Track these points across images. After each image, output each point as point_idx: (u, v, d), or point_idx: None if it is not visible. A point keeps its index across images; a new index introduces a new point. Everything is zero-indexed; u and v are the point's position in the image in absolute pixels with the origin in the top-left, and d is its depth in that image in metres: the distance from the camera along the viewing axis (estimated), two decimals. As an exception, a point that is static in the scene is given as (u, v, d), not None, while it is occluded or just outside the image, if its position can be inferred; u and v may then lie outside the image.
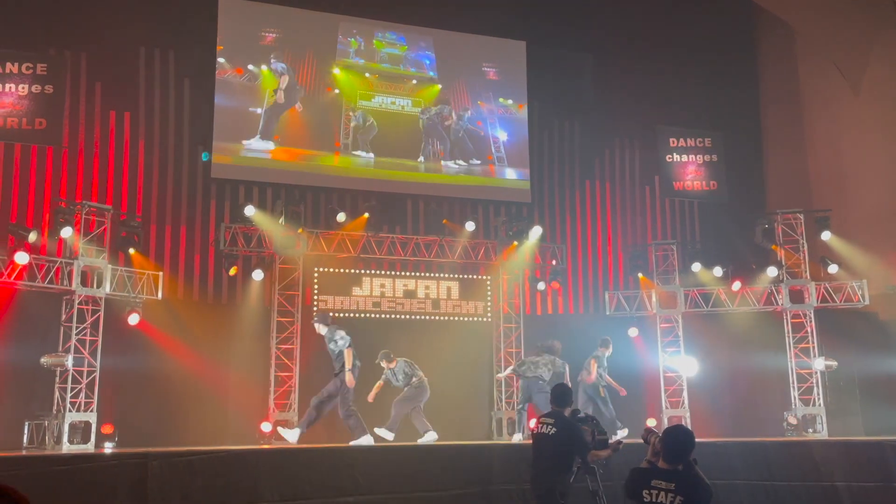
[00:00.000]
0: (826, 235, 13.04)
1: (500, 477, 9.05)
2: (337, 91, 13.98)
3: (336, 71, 13.99)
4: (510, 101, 14.92)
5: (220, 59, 13.10)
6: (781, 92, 16.45)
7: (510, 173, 14.69)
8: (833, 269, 12.83)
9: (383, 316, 12.86)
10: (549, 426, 6.10)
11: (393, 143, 14.08)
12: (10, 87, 11.55)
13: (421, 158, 14.18)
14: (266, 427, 11.26)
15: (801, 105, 16.35)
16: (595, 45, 15.40)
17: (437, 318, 13.08)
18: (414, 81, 14.49)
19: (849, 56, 15.06)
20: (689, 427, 12.63)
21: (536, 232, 13.27)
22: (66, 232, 10.40)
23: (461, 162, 14.42)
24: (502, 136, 14.75)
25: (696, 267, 13.25)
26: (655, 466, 4.14)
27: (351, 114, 13.92)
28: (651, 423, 12.33)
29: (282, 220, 12.07)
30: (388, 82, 14.34)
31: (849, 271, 13.26)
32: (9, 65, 11.56)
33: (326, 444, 10.27)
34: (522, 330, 13.43)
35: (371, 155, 13.86)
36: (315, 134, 13.71)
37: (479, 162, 14.51)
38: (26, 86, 11.60)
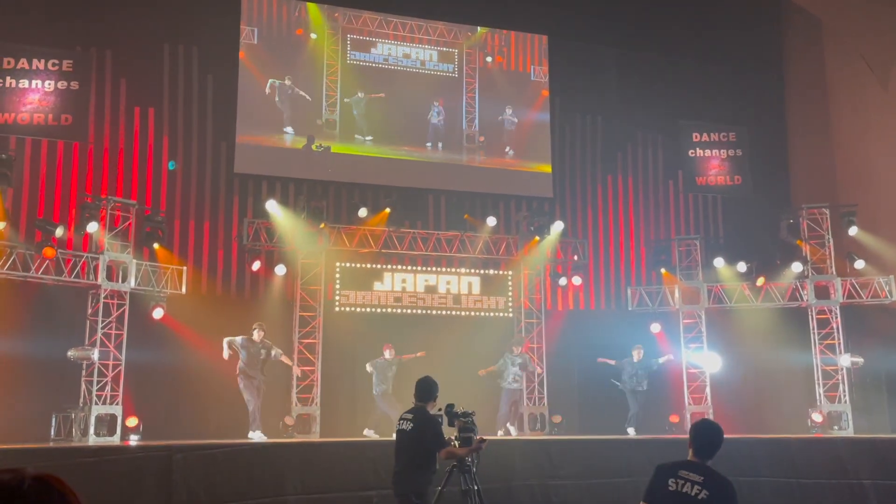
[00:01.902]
0: (853, 230, 12.85)
1: (521, 473, 9.04)
2: (313, 35, 13.80)
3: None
4: (530, 96, 14.87)
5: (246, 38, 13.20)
6: (807, 85, 16.23)
7: (531, 167, 14.65)
8: (860, 264, 12.65)
9: (404, 311, 12.87)
10: (408, 422, 5.78)
11: (398, 128, 13.91)
12: (37, 84, 11.68)
13: (428, 145, 14.10)
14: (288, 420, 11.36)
15: (827, 98, 16.11)
16: (618, 39, 15.28)
17: (458, 313, 13.08)
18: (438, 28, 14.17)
19: (876, 49, 14.82)
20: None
21: (558, 227, 13.22)
22: (92, 227, 10.52)
23: (479, 154, 14.42)
24: (522, 129, 14.70)
25: (720, 262, 13.13)
26: (685, 459, 4.10)
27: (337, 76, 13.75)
28: (674, 419, 12.34)
29: (304, 215, 12.12)
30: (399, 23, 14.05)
31: (876, 267, 13.06)
32: (35, 61, 11.69)
33: (349, 438, 10.31)
34: (544, 325, 13.39)
35: (369, 137, 13.69)
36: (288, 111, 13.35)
37: (506, 153, 14.49)
38: (52, 82, 11.72)
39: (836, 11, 15.25)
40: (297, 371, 11.58)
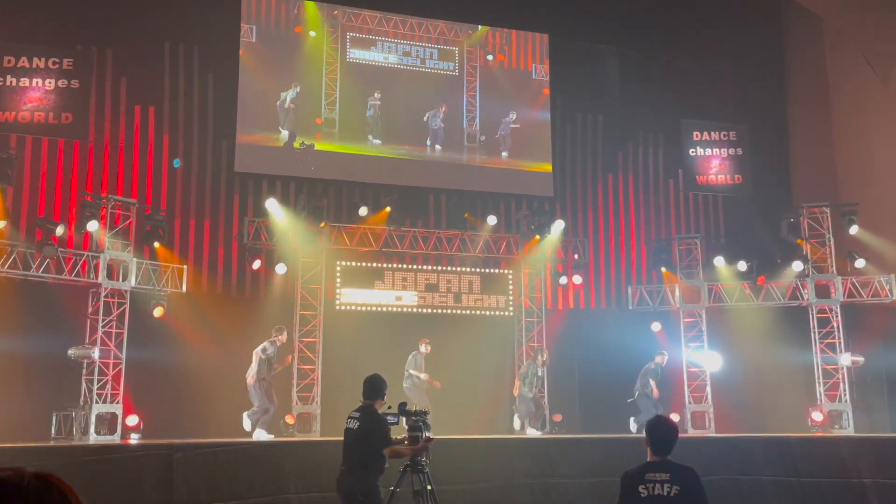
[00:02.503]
0: (854, 229, 12.84)
1: (521, 471, 9.04)
2: (312, 33, 13.78)
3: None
4: (531, 95, 14.87)
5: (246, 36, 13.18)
6: (808, 84, 16.21)
7: (532, 166, 14.64)
8: (860, 263, 12.63)
9: (405, 310, 12.87)
10: (355, 420, 5.69)
11: (398, 126, 13.89)
12: (37, 82, 11.68)
13: (428, 142, 14.07)
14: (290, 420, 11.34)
15: (828, 97, 16.10)
16: (618, 38, 15.28)
17: (458, 311, 13.07)
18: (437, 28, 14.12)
19: (878, 47, 14.81)
20: (713, 422, 12.56)
21: (559, 226, 13.22)
22: (93, 225, 10.52)
23: (480, 154, 14.41)
24: (523, 128, 14.69)
25: (720, 261, 13.12)
26: (646, 462, 4.13)
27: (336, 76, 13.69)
28: (675, 417, 12.31)
29: (304, 214, 12.12)
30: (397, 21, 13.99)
31: (877, 265, 13.05)
32: (35, 60, 11.69)
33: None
34: (544, 324, 13.40)
35: (378, 141, 13.67)
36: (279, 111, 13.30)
37: (501, 154, 14.48)
38: (53, 80, 11.72)
39: (836, 10, 15.24)
40: (288, 362, 11.33)
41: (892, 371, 12.99)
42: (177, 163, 12.76)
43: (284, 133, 13.29)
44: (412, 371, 11.36)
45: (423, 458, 5.86)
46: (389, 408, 5.87)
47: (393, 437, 5.81)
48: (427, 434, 5.79)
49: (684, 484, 3.97)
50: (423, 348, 11.51)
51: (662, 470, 4.01)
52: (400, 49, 14.22)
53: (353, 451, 5.65)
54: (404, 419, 5.81)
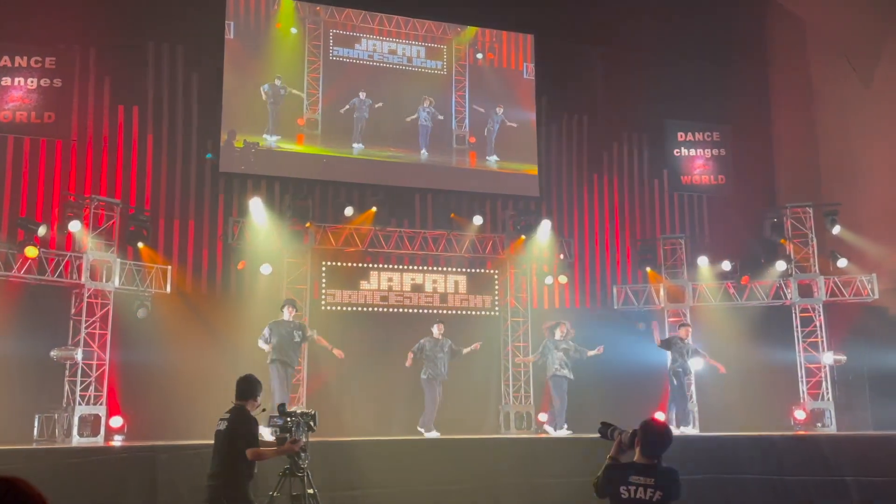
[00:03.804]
0: (836, 229, 12.96)
1: (507, 471, 9.06)
2: (294, 30, 13.54)
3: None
4: (521, 95, 14.89)
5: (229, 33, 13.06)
6: (791, 85, 16.34)
7: (518, 166, 14.65)
8: (842, 263, 12.76)
9: (391, 310, 12.86)
10: (224, 422, 5.57)
11: (384, 126, 13.69)
12: (20, 81, 11.58)
13: (419, 142, 13.94)
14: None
15: (810, 98, 16.24)
16: (604, 39, 15.33)
17: (444, 312, 13.08)
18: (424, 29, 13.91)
19: (860, 48, 14.95)
20: (697, 421, 12.62)
21: (545, 226, 13.26)
22: (75, 226, 10.44)
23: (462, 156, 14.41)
24: (512, 128, 14.71)
25: (704, 261, 13.21)
26: (632, 462, 4.09)
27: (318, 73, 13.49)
28: (660, 416, 12.33)
29: (290, 214, 12.08)
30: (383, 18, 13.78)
31: (858, 265, 13.18)
32: (18, 58, 11.59)
33: (333, 437, 10.28)
34: (530, 324, 13.43)
35: (360, 145, 13.47)
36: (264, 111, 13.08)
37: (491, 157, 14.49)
38: (35, 80, 11.63)
39: (819, 12, 15.37)
40: (338, 354, 10.63)
41: (873, 369, 13.13)
42: (210, 156, 12.68)
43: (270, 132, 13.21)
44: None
45: (303, 462, 5.70)
46: (264, 410, 5.74)
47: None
48: (299, 436, 5.62)
49: (667, 487, 3.96)
50: (435, 331, 11.21)
51: (648, 474, 3.97)
52: (385, 47, 14.15)
53: (221, 454, 5.49)
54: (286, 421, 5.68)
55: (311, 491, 5.77)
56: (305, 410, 5.90)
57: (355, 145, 13.55)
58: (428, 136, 14.03)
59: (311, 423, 5.86)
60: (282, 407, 5.80)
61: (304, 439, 5.75)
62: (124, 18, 12.37)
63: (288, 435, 5.61)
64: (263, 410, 5.73)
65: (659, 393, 13.20)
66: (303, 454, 5.76)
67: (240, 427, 5.47)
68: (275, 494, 5.73)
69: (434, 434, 10.50)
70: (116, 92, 12.46)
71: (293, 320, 10.50)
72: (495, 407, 13.25)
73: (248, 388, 5.67)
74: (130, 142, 12.47)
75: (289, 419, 5.71)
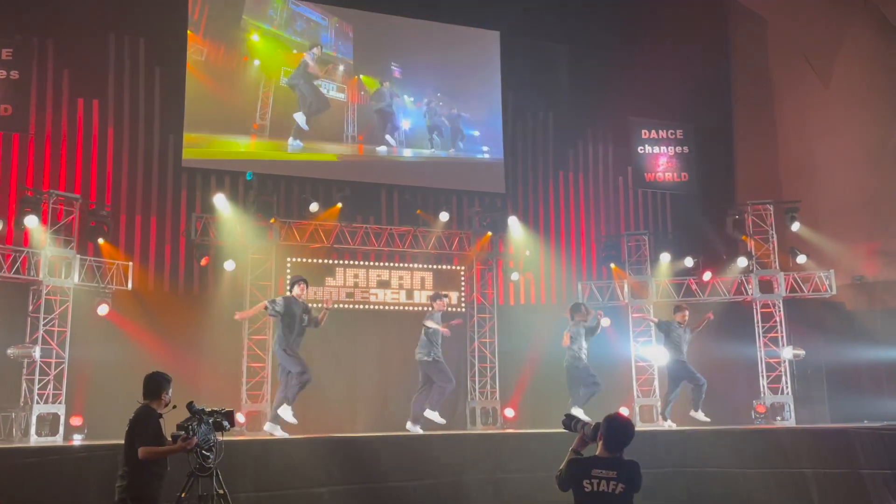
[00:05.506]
0: (795, 226, 13.21)
1: (472, 466, 9.08)
2: (257, 62, 13.33)
3: (255, 38, 13.37)
4: (483, 92, 14.91)
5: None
6: (753, 84, 16.60)
7: (484, 162, 14.69)
8: (801, 259, 13.01)
9: (357, 306, 12.82)
10: (130, 422, 5.56)
11: (323, 127, 13.62)
12: (-26, 73, 11.29)
13: (389, 141, 13.95)
14: (241, 418, 11.17)
15: (772, 97, 16.52)
16: (569, 36, 15.43)
17: (410, 308, 13.06)
18: (341, 68, 13.92)
19: (819, 48, 15.25)
20: (660, 415, 12.75)
21: (511, 222, 13.30)
22: (32, 221, 10.20)
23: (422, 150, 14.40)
24: (474, 127, 14.74)
25: (666, 257, 13.37)
26: (595, 455, 4.14)
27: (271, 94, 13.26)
28: (625, 411, 12.43)
29: (254, 210, 11.97)
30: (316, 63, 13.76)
31: (817, 261, 13.45)
32: (-28, 50, 11.31)
33: (302, 434, 10.22)
34: (496, 320, 13.48)
35: (298, 143, 13.34)
36: (231, 115, 13.04)
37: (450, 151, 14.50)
38: (-9, 72, 11.35)
39: (780, 12, 15.63)
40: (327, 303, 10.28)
41: (831, 364, 13.41)
42: (249, 175, 12.51)
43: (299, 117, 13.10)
44: (429, 324, 10.17)
45: (210, 462, 5.62)
46: (174, 407, 5.68)
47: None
48: (207, 436, 5.57)
49: (629, 479, 4.01)
50: (437, 305, 10.67)
51: (610, 467, 4.02)
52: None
53: (125, 454, 5.48)
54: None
55: (221, 491, 5.67)
56: (217, 409, 5.78)
57: (293, 140, 13.39)
58: (395, 126, 14.07)
59: (224, 422, 5.74)
60: (190, 405, 5.68)
61: (213, 437, 5.65)
62: (84, 9, 12.12)
63: (183, 433, 5.52)
64: (174, 408, 5.66)
65: (621, 387, 13.33)
66: (207, 453, 5.62)
67: (136, 426, 5.47)
68: (182, 496, 5.62)
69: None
70: (76, 84, 12.22)
71: (303, 302, 9.63)
72: (463, 402, 13.26)
73: (152, 386, 5.64)
74: (90, 136, 12.24)
75: (189, 419, 5.58)
